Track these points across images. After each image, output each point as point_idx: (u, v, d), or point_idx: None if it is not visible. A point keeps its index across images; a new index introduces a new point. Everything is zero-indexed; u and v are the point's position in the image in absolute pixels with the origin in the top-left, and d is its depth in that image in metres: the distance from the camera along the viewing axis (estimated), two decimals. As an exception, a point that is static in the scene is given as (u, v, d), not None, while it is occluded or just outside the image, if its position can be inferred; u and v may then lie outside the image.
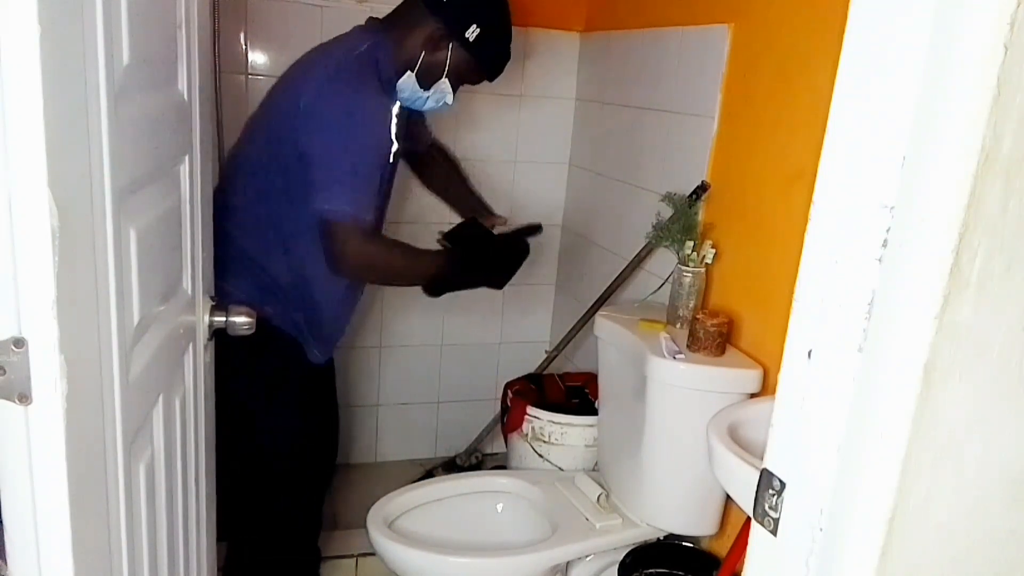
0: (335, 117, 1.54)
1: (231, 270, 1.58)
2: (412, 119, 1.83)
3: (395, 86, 1.67)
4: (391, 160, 1.70)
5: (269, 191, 1.62)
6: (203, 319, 1.27)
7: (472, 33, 1.62)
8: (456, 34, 1.62)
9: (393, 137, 1.70)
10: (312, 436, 1.84)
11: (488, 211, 2.08)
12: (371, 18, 1.72)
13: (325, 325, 1.76)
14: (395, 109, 1.71)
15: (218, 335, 1.33)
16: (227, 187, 1.70)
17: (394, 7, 1.71)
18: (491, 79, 1.74)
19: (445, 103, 1.72)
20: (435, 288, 1.74)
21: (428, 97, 1.69)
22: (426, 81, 1.67)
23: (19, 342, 0.65)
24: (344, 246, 1.57)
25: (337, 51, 1.64)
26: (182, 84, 1.10)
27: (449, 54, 1.64)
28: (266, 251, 1.65)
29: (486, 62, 1.69)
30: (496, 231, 1.90)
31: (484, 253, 1.79)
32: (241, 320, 1.32)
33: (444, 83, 1.68)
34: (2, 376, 0.65)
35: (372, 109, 1.60)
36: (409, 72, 1.65)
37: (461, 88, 1.75)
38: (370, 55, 1.61)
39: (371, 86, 1.60)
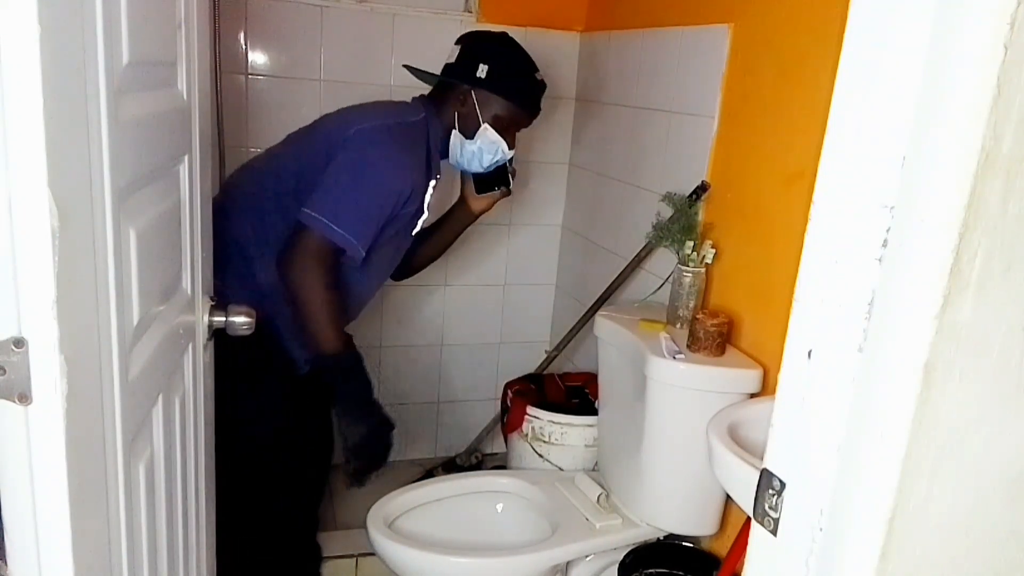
0: (373, 154, 1.61)
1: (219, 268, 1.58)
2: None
3: (444, 156, 1.78)
4: (406, 222, 1.74)
5: (280, 196, 1.65)
6: (202, 319, 1.27)
7: (482, 71, 1.72)
8: (469, 79, 1.73)
9: (425, 206, 1.77)
10: (306, 437, 1.83)
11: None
12: (416, 97, 1.82)
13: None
14: (434, 182, 1.79)
15: (216, 335, 1.33)
16: (238, 188, 1.71)
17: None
18: (527, 109, 1.80)
19: (501, 152, 1.78)
20: (320, 363, 1.65)
21: (481, 150, 1.76)
22: (468, 132, 1.76)
23: (19, 342, 0.65)
24: (304, 256, 1.56)
25: (398, 109, 1.76)
26: (182, 84, 1.10)
27: (475, 100, 1.74)
28: (259, 254, 1.65)
29: (509, 92, 1.75)
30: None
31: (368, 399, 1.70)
32: (240, 320, 1.31)
33: (487, 130, 1.75)
34: (2, 376, 0.65)
35: (408, 166, 1.66)
36: (454, 131, 1.76)
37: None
38: (424, 126, 1.73)
39: (416, 152, 1.69)
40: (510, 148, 1.80)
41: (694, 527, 1.72)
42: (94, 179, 0.74)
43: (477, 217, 1.97)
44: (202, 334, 1.27)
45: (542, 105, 1.85)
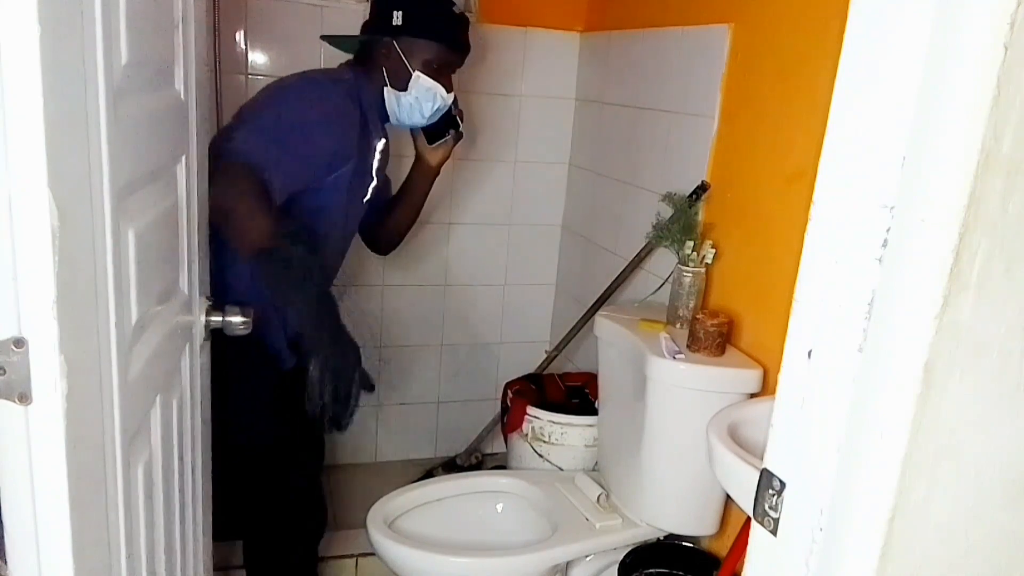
0: (298, 106, 1.55)
1: None
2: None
3: (386, 120, 1.72)
4: (347, 185, 1.64)
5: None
6: (200, 319, 1.27)
7: (398, 18, 1.66)
8: (386, 29, 1.67)
9: (373, 172, 1.73)
10: (296, 431, 1.82)
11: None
12: (342, 63, 1.77)
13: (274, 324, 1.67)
14: (379, 145, 1.73)
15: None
16: None
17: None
18: (454, 46, 1.74)
19: (440, 97, 1.72)
20: (265, 265, 1.42)
21: (418, 99, 1.71)
22: (400, 85, 1.70)
23: (19, 342, 0.65)
24: (223, 172, 1.35)
25: (322, 73, 1.72)
26: (179, 84, 1.10)
27: (399, 49, 1.68)
28: (218, 247, 1.58)
29: (431, 32, 1.70)
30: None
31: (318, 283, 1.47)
32: (237, 320, 1.32)
33: (419, 77, 1.69)
34: (2, 376, 0.65)
35: (335, 121, 1.59)
36: (386, 88, 1.71)
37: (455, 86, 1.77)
38: (354, 86, 1.67)
39: (345, 110, 1.61)
40: (448, 92, 1.74)
41: (694, 527, 1.72)
42: (93, 179, 0.74)
43: (438, 170, 1.91)
44: (199, 334, 1.27)
45: (471, 42, 1.79)
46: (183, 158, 1.13)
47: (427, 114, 1.74)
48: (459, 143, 1.90)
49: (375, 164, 1.75)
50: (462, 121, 1.85)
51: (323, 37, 1.79)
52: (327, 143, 1.57)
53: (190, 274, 1.19)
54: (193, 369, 1.23)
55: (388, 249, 2.05)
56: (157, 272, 1.00)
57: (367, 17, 1.74)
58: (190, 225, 1.18)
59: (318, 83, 1.64)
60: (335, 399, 1.41)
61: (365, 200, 1.77)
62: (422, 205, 1.97)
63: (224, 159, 1.40)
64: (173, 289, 1.11)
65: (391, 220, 1.95)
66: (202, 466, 1.33)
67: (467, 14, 2.35)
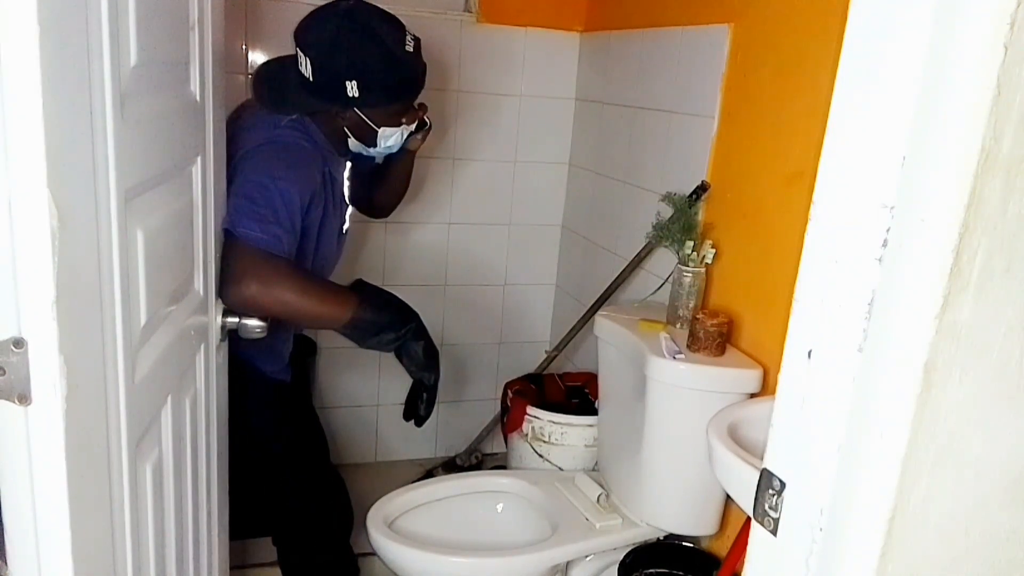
0: (266, 171, 1.51)
1: None
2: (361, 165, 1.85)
3: (341, 151, 1.68)
4: (321, 222, 1.64)
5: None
6: (216, 320, 1.27)
7: (353, 89, 1.55)
8: (344, 102, 1.57)
9: (344, 197, 1.73)
10: (296, 441, 1.83)
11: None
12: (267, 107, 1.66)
13: (270, 346, 1.67)
14: (346, 172, 1.73)
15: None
16: None
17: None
18: (414, 95, 1.67)
19: (408, 132, 1.70)
20: (357, 333, 1.59)
21: (389, 147, 1.69)
22: (367, 141, 1.66)
23: (19, 342, 0.65)
24: (249, 269, 1.39)
25: (270, 120, 1.63)
26: (194, 85, 1.10)
27: (360, 114, 1.61)
28: None
29: (390, 96, 1.62)
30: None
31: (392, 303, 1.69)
32: (253, 323, 1.32)
33: (384, 132, 1.65)
34: (2, 376, 0.65)
35: (297, 176, 1.55)
36: (351, 140, 1.65)
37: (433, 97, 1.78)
38: (302, 129, 1.61)
39: (301, 158, 1.58)
40: (410, 122, 1.69)
41: (694, 527, 1.72)
42: (99, 180, 0.74)
43: (414, 153, 1.89)
44: (215, 335, 1.27)
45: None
46: (199, 159, 1.13)
47: (398, 148, 1.72)
48: (430, 134, 1.86)
49: (345, 191, 1.76)
50: (428, 118, 1.81)
51: (265, 106, 1.68)
52: (308, 203, 1.56)
53: (205, 275, 1.18)
54: (209, 369, 1.23)
55: (387, 214, 2.10)
56: (169, 273, 1.00)
57: (304, 69, 1.59)
58: (207, 226, 1.17)
59: (285, 147, 1.57)
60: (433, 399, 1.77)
61: (345, 229, 1.79)
62: (410, 174, 1.98)
63: (244, 254, 1.41)
64: (187, 290, 1.11)
65: (383, 196, 1.99)
66: (218, 464, 1.33)
67: (467, 13, 2.37)
